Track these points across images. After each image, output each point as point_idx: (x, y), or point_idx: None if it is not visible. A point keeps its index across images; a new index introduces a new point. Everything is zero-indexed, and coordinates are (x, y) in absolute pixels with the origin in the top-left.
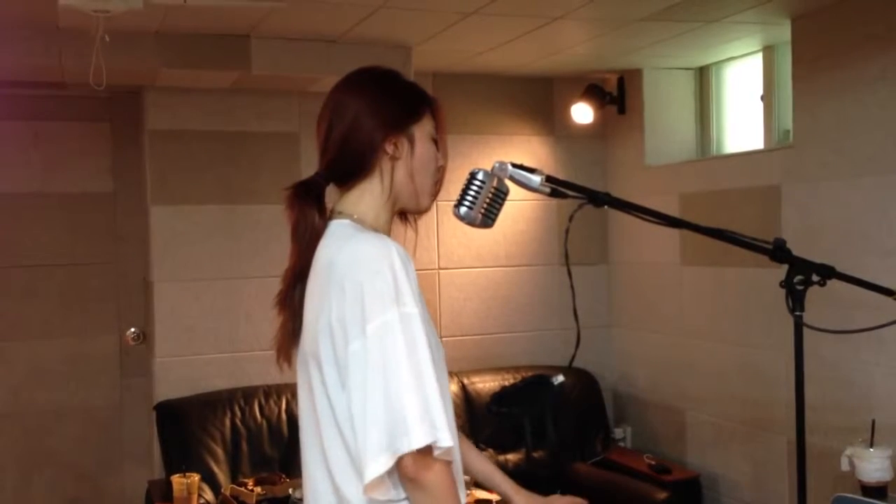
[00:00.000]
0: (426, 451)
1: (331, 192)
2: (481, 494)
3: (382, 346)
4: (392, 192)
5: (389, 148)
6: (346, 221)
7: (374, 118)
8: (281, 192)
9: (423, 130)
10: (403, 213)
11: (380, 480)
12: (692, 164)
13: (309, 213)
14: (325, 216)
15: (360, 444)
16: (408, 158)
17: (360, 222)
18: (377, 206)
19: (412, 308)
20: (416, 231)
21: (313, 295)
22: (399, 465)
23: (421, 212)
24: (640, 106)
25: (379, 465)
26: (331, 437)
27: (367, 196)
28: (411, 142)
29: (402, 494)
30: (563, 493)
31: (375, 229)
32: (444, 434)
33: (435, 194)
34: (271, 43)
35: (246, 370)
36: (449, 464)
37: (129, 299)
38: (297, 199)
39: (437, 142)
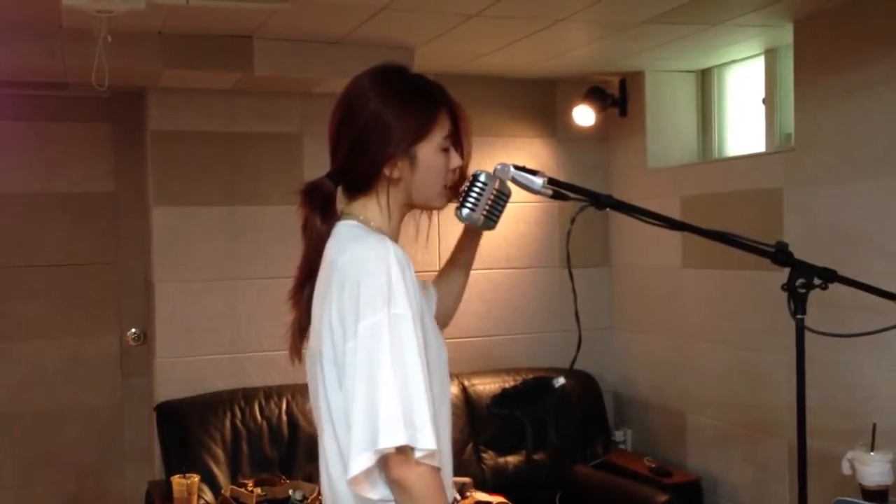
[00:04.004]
0: (408, 453)
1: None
2: (481, 496)
3: (369, 346)
4: (390, 208)
5: (388, 170)
6: (353, 222)
7: (376, 138)
8: (282, 193)
9: (430, 146)
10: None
11: (365, 478)
12: (694, 166)
13: (313, 217)
14: (331, 220)
15: (347, 441)
16: (408, 178)
17: (366, 223)
18: (384, 215)
19: (404, 310)
20: (429, 220)
21: (318, 294)
22: (383, 464)
23: (435, 210)
24: (642, 108)
25: (360, 462)
26: (328, 433)
27: (371, 206)
28: (413, 162)
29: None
30: (564, 496)
31: (381, 230)
32: (424, 436)
33: (450, 195)
34: (274, 44)
35: (246, 371)
36: (435, 469)
37: (129, 300)
38: (304, 201)
39: (455, 141)
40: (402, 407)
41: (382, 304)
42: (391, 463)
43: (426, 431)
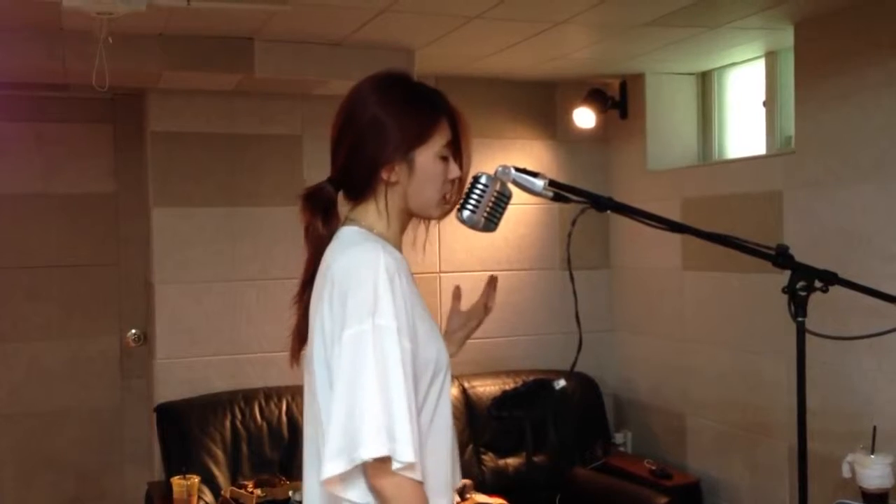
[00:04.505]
0: (386, 462)
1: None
2: (481, 498)
3: (352, 354)
4: (388, 212)
5: (385, 174)
6: (354, 228)
7: (375, 141)
8: (283, 195)
9: (429, 152)
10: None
11: (340, 481)
12: (694, 169)
13: (315, 222)
14: (332, 224)
15: (323, 444)
16: (404, 183)
17: (369, 229)
18: (381, 221)
19: (388, 321)
20: (426, 230)
21: (314, 298)
22: (364, 471)
23: (433, 219)
24: (643, 111)
25: (333, 467)
26: (322, 436)
27: (371, 212)
28: (411, 166)
29: None
30: (564, 498)
31: (383, 237)
32: (402, 448)
33: (448, 205)
34: (275, 46)
35: (246, 372)
36: (413, 481)
37: (130, 301)
38: (306, 206)
39: (455, 153)
40: (383, 418)
41: (367, 315)
42: (369, 471)
43: (405, 443)
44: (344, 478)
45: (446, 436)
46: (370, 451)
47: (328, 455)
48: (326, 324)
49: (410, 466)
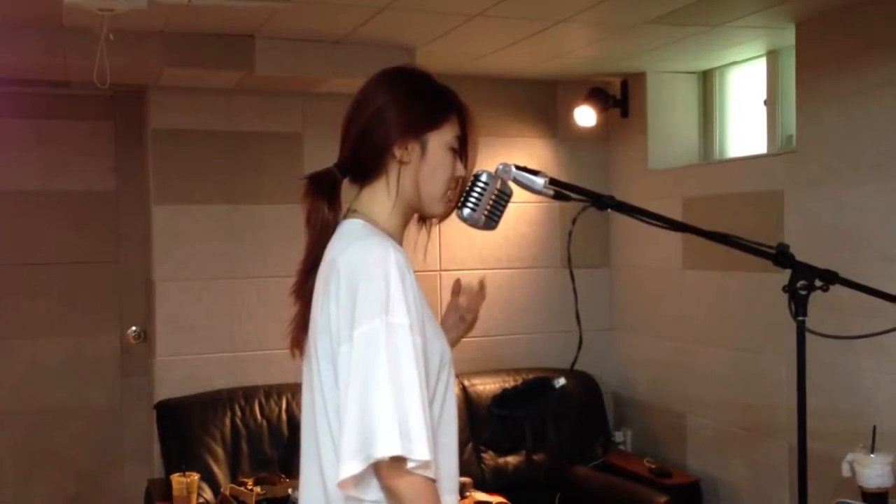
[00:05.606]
0: (400, 461)
1: (349, 190)
2: (481, 496)
3: (366, 353)
4: (398, 196)
5: (398, 151)
6: (358, 221)
7: (389, 120)
8: (283, 192)
9: (440, 139)
10: (423, 216)
11: (354, 482)
12: (695, 168)
13: (320, 205)
14: (337, 209)
15: (338, 445)
16: (416, 165)
17: (373, 223)
18: (388, 208)
19: (401, 319)
20: (428, 234)
21: (318, 291)
22: (375, 470)
23: (435, 216)
24: (644, 109)
25: (350, 467)
26: (323, 433)
27: (378, 197)
28: (423, 148)
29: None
30: (563, 496)
31: (386, 231)
32: (419, 447)
33: (451, 203)
34: (275, 43)
35: (246, 370)
36: (427, 479)
37: (130, 298)
38: (310, 189)
39: (461, 151)
40: (398, 417)
41: (380, 311)
42: (383, 471)
43: (421, 442)
44: (357, 479)
45: (453, 430)
46: (382, 450)
47: (344, 456)
48: (333, 320)
49: (425, 465)
